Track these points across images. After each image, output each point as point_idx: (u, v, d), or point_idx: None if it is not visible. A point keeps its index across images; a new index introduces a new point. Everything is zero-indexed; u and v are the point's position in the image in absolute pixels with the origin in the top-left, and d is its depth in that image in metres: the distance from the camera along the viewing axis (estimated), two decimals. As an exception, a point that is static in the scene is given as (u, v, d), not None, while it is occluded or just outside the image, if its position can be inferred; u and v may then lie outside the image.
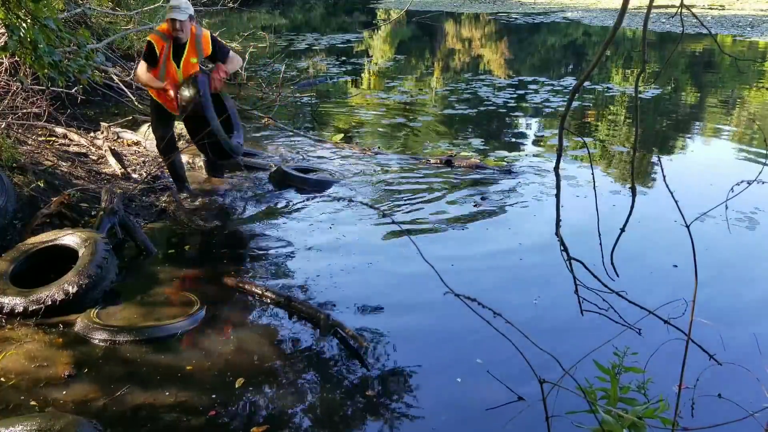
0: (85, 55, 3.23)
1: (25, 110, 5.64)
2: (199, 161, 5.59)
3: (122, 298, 3.38)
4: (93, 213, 4.14)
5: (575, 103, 8.78)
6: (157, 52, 4.43)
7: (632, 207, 1.66)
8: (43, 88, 5.80)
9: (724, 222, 4.14)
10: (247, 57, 9.91)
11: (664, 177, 1.70)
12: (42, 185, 4.25)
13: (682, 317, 1.73)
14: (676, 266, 3.87)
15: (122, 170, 5.12)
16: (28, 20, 3.03)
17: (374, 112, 8.48)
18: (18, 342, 2.93)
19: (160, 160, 5.49)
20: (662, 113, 8.55)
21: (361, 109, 8.72)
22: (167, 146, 4.81)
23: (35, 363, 2.78)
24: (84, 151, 5.57)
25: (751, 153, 6.58)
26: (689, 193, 4.97)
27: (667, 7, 17.83)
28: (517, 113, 8.32)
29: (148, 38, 4.48)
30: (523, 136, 7.32)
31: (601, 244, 1.71)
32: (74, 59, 3.18)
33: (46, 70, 3.11)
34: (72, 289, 3.16)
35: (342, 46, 15.05)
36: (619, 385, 1.94)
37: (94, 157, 5.47)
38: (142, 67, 4.52)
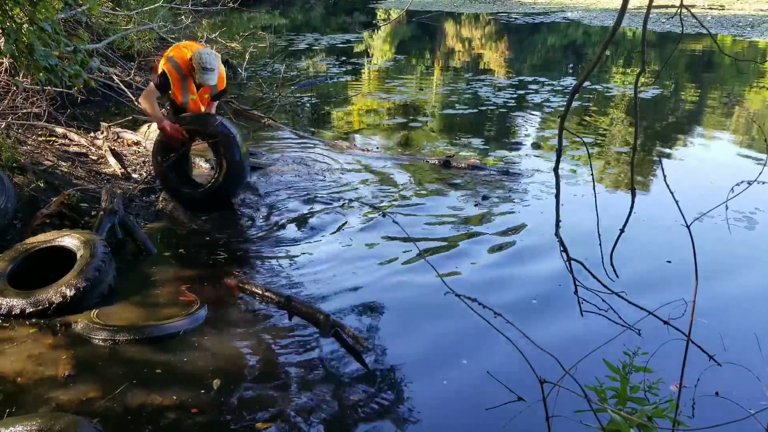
0: (80, 61, 3.22)
1: (25, 110, 5.64)
2: (201, 161, 5.59)
3: (122, 298, 3.38)
4: (93, 213, 4.14)
5: (575, 103, 8.78)
6: (171, 83, 4.24)
7: (632, 207, 1.66)
8: (43, 88, 5.80)
9: (724, 222, 4.15)
10: (247, 57, 9.94)
11: (664, 177, 1.71)
12: (42, 185, 4.25)
13: (682, 317, 1.73)
14: (669, 262, 3.90)
15: (122, 170, 5.11)
16: (26, 23, 3.02)
17: (374, 112, 8.47)
18: (18, 342, 2.93)
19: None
20: (662, 113, 8.55)
21: (361, 109, 8.72)
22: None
23: (35, 363, 2.78)
24: (84, 151, 5.57)
25: (751, 153, 6.58)
26: (689, 193, 4.96)
27: (667, 7, 17.83)
28: (517, 113, 8.32)
29: (163, 68, 4.23)
30: (523, 136, 7.31)
31: (600, 244, 1.71)
32: (70, 63, 3.17)
33: (41, 74, 3.09)
34: (70, 293, 3.16)
35: (342, 46, 15.04)
36: (629, 385, 1.93)
37: (94, 157, 5.47)
38: (153, 94, 4.24)
